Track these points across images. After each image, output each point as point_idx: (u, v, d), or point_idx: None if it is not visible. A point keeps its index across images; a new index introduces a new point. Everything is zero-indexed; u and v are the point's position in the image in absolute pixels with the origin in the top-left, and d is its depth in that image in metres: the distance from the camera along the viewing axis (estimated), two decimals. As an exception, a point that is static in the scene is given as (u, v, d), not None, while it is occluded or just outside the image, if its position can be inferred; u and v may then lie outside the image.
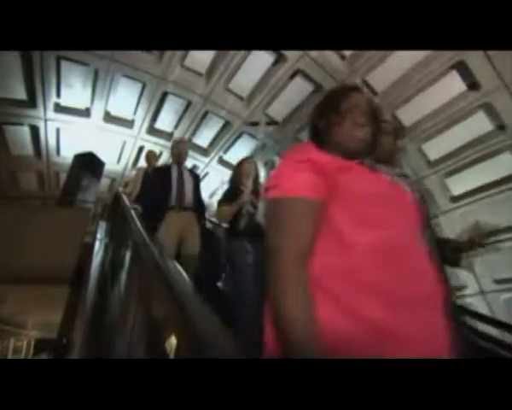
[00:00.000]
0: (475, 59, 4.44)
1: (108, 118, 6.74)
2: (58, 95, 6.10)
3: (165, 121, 6.86)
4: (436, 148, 5.60)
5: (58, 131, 6.84)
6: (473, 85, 4.64)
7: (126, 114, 6.73)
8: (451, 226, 5.99)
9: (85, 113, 6.55)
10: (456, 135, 5.27)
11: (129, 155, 7.68)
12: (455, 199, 5.86)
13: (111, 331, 2.16)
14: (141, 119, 6.74)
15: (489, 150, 5.14)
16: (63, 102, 6.28)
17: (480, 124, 4.96)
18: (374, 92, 5.48)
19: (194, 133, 7.12)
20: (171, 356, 2.23)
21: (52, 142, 7.10)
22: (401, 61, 4.96)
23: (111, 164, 7.68)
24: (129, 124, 6.90)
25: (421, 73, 4.94)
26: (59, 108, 6.35)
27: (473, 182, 5.53)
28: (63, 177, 7.37)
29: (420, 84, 5.10)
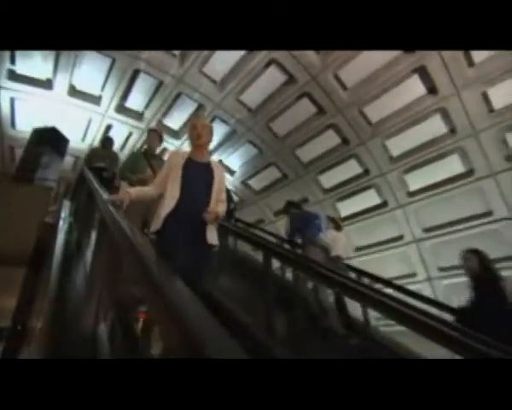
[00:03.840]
0: (435, 65, 4.78)
1: (73, 92, 6.38)
2: (12, 61, 5.63)
3: (136, 100, 6.63)
4: (398, 145, 5.98)
5: (13, 101, 6.34)
6: (432, 90, 5.00)
7: (93, 89, 6.40)
8: (406, 219, 6.49)
9: (46, 84, 6.12)
10: (415, 134, 5.67)
11: (95, 133, 7.34)
12: (411, 194, 6.33)
13: (77, 311, 2.18)
14: (109, 96, 6.46)
15: (442, 151, 5.60)
16: (19, 69, 5.81)
17: (436, 126, 5.37)
18: (344, 87, 5.70)
19: (165, 115, 6.96)
20: (138, 334, 2.30)
21: (6, 113, 6.57)
22: (371, 60, 5.19)
23: (75, 142, 7.30)
24: (96, 100, 6.58)
25: (388, 73, 5.21)
26: (14, 76, 5.85)
27: (426, 179, 6.01)
28: (19, 153, 6.89)
29: (386, 84, 5.39)
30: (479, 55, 4.59)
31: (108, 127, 7.14)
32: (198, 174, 2.13)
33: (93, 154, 5.32)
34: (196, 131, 2.17)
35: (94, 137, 7.46)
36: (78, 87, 6.33)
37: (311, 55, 5.38)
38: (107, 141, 5.52)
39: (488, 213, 5.58)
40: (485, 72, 4.62)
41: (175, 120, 7.12)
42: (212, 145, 7.45)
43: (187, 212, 2.00)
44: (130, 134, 7.35)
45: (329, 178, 7.03)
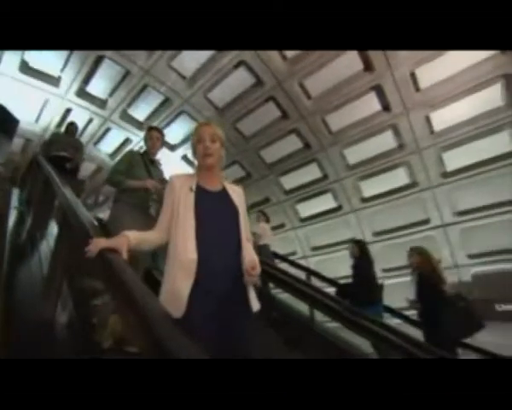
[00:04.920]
0: (390, 85, 5.26)
1: (26, 69, 5.98)
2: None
3: (99, 87, 6.39)
4: (355, 154, 6.45)
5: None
6: (386, 107, 5.49)
7: (51, 69, 6.06)
8: (359, 223, 7.04)
9: (-5, 59, 5.67)
10: (370, 146, 6.17)
11: (51, 116, 6.94)
12: (364, 200, 6.88)
13: (32, 298, 2.17)
14: (70, 78, 6.16)
15: (392, 164, 6.17)
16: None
17: (388, 140, 5.91)
18: (308, 96, 6.01)
19: (130, 104, 6.79)
20: (96, 322, 2.33)
21: None
22: (334, 73, 5.54)
23: (28, 123, 6.84)
24: (54, 81, 6.23)
25: (349, 87, 5.61)
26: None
27: (378, 188, 6.57)
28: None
29: (347, 97, 5.79)
30: (425, 82, 5.14)
31: (67, 111, 6.79)
32: (217, 211, 1.46)
33: (54, 140, 4.71)
34: (203, 144, 1.48)
35: (50, 120, 7.05)
36: (32, 64, 5.95)
37: (279, 61, 5.60)
38: (71, 126, 4.92)
39: (426, 221, 6.28)
40: (429, 97, 5.20)
41: (140, 111, 6.98)
42: (178, 140, 7.50)
43: (215, 276, 1.32)
44: (90, 120, 7.06)
45: (291, 180, 7.36)
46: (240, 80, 6.04)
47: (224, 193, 1.53)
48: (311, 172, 6.94)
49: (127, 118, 7.02)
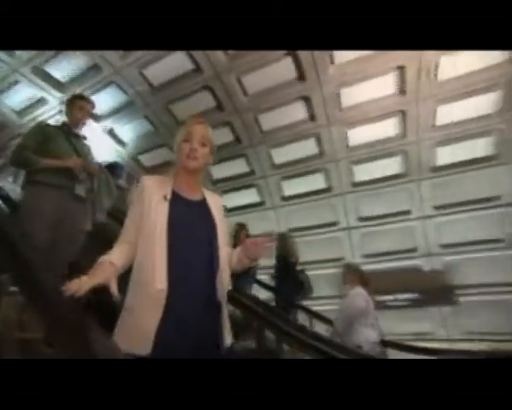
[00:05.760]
0: (317, 98, 5.80)
1: None
2: None
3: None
4: (280, 155, 6.92)
5: None
6: (311, 118, 6.04)
7: None
8: (277, 218, 7.60)
9: None
10: (294, 150, 6.70)
11: None
12: (285, 198, 7.44)
13: None
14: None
15: (312, 168, 6.82)
16: None
17: (311, 147, 6.52)
18: (245, 92, 6.22)
19: (48, 60, 6.05)
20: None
21: None
22: (272, 75, 5.84)
23: None
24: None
25: (283, 92, 5.99)
26: None
27: (298, 189, 7.19)
28: None
29: (280, 101, 6.16)
30: (347, 102, 5.82)
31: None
32: (194, 227, 1.21)
33: None
34: (191, 145, 1.29)
35: None
36: None
37: (220, 53, 5.65)
38: None
39: (334, 223, 7.15)
40: (348, 116, 5.91)
41: (62, 71, 6.27)
42: (105, 111, 6.96)
43: (187, 308, 1.09)
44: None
45: (219, 171, 7.52)
46: (179, 63, 5.91)
47: (203, 204, 1.30)
48: (239, 166, 7.21)
49: (42, 74, 6.25)
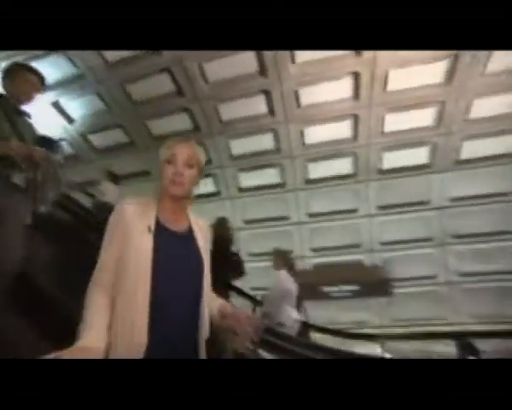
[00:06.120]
0: (277, 94, 5.92)
1: None
2: None
3: None
4: (238, 147, 6.96)
5: None
6: (270, 112, 6.16)
7: None
8: (233, 209, 7.67)
9: None
10: (252, 143, 6.79)
11: None
12: (241, 190, 7.52)
13: None
14: None
15: (268, 162, 6.98)
16: None
17: (268, 142, 6.66)
18: (206, 80, 6.11)
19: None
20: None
21: None
22: (234, 65, 5.81)
23: None
24: None
25: (245, 84, 6.00)
26: None
27: (253, 181, 7.31)
28: None
29: (241, 92, 6.17)
30: (305, 100, 6.02)
31: None
32: (179, 264, 1.05)
33: None
34: (175, 168, 1.10)
35: None
36: None
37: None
38: None
39: (286, 218, 7.42)
40: (305, 115, 6.13)
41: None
42: (51, 81, 6.36)
43: (166, 354, 0.95)
44: None
45: (176, 158, 7.34)
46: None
47: (189, 234, 1.13)
48: (197, 154, 7.10)
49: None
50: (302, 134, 6.45)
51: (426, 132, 6.26)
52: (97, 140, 7.46)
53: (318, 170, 6.95)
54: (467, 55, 5.15)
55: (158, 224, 1.06)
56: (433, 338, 4.57)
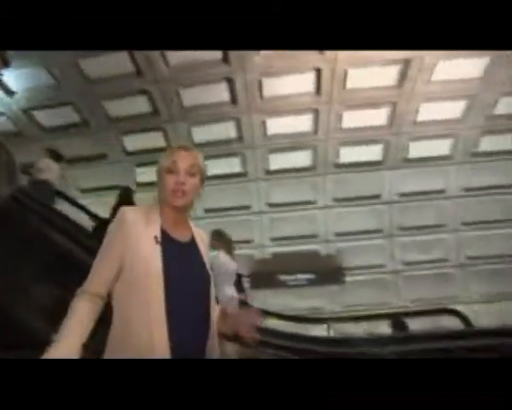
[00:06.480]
0: (240, 83, 5.89)
1: None
2: None
3: None
4: (199, 134, 6.83)
5: None
6: (233, 101, 6.13)
7: None
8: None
9: None
10: (214, 130, 6.71)
11: None
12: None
13: None
14: None
15: (232, 151, 6.97)
16: None
17: (230, 130, 6.63)
18: (166, 63, 5.87)
19: None
20: None
21: None
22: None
23: None
24: None
25: (208, 70, 5.87)
26: None
27: (216, 170, 7.23)
28: None
29: (204, 79, 6.03)
30: (269, 91, 6.06)
31: None
32: (188, 275, 1.03)
33: None
34: (177, 178, 1.04)
35: None
36: None
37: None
38: None
39: (247, 207, 7.51)
40: (268, 106, 6.19)
41: None
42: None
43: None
44: None
45: (134, 142, 7.02)
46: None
47: (193, 245, 1.10)
48: (156, 139, 6.85)
49: None
50: (264, 125, 6.51)
51: (380, 131, 6.65)
52: (44, 118, 6.85)
53: (279, 161, 7.08)
54: (417, 61, 5.53)
55: (163, 234, 1.02)
56: (370, 319, 5.32)
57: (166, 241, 1.00)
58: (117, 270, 0.95)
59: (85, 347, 0.85)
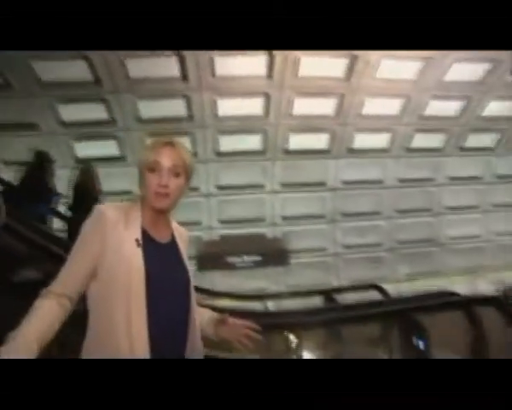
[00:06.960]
0: (192, 61, 5.66)
1: None
2: None
3: None
4: (147, 109, 6.46)
5: None
6: (184, 77, 5.88)
7: None
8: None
9: None
10: (164, 107, 6.39)
11: None
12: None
13: None
14: None
15: (181, 130, 6.72)
16: None
17: (179, 108, 6.39)
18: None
19: None
20: None
21: None
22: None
23: None
24: None
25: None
26: None
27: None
28: None
29: (155, 52, 5.64)
30: (221, 70, 5.92)
31: None
32: (168, 277, 0.98)
33: None
34: (159, 177, 0.95)
35: None
36: None
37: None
38: None
39: (196, 189, 7.38)
40: (220, 86, 6.06)
41: None
42: None
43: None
44: None
45: (71, 113, 6.39)
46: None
47: (173, 245, 1.05)
48: (97, 111, 6.32)
49: None
50: (215, 104, 6.37)
51: (327, 120, 6.93)
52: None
53: (229, 143, 7.02)
54: (364, 57, 5.82)
55: (144, 235, 0.97)
56: (305, 296, 6.03)
57: (147, 242, 0.96)
58: (90, 270, 0.90)
59: (48, 346, 0.82)
